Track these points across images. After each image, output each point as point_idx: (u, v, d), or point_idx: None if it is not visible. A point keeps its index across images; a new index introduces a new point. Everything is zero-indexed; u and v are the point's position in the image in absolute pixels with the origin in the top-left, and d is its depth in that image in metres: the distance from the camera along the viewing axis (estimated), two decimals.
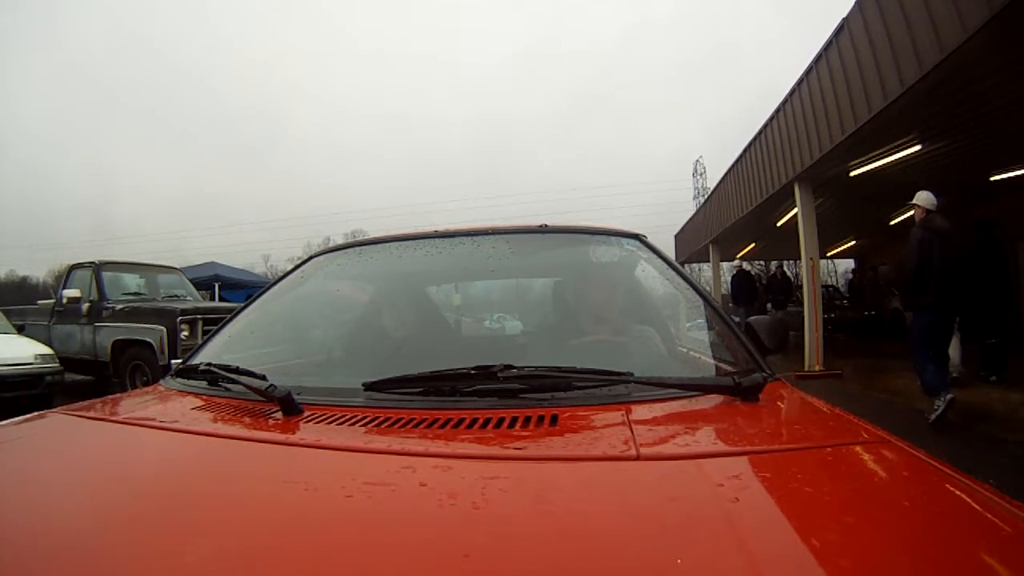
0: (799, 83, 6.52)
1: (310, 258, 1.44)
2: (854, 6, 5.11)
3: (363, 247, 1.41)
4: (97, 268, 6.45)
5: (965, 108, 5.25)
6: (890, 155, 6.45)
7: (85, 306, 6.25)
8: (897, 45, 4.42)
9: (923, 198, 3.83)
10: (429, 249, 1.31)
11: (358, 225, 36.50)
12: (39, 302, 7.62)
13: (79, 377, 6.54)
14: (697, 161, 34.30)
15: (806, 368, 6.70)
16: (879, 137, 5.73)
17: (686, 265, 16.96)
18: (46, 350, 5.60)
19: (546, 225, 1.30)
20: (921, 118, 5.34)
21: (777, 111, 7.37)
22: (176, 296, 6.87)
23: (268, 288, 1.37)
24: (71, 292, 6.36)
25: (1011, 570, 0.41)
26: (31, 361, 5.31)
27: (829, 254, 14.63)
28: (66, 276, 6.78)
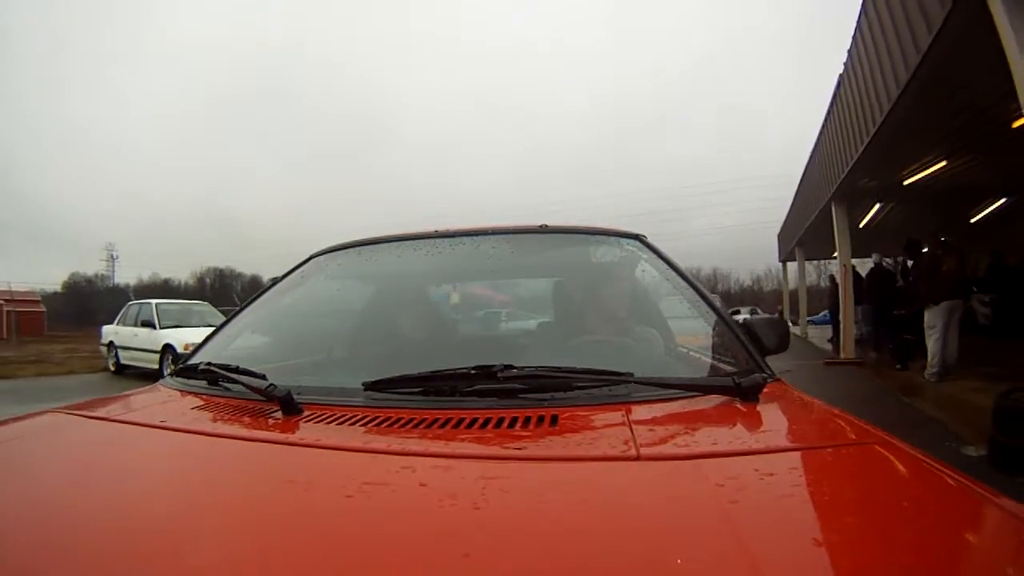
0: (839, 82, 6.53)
1: (310, 257, 1.43)
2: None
3: (363, 247, 1.41)
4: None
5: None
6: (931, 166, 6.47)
7: None
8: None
9: (873, 257, 8.29)
10: (429, 249, 1.31)
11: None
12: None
13: None
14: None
15: (842, 357, 8.29)
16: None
17: (786, 264, 17.44)
18: None
19: (546, 225, 1.30)
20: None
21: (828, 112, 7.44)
22: None
23: (268, 288, 1.37)
24: None
25: (1011, 570, 0.41)
26: None
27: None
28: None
